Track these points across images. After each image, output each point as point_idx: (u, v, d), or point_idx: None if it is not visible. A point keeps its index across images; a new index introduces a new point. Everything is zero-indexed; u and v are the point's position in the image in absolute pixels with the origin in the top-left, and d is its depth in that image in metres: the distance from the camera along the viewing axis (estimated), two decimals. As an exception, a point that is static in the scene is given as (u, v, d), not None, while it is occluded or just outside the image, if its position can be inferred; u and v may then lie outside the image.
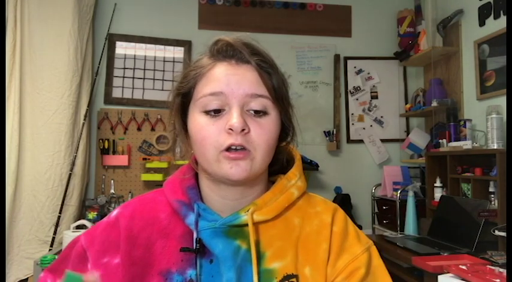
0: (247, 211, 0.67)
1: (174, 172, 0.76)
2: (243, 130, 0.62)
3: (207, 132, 0.64)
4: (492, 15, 2.53)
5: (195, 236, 0.66)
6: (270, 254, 0.66)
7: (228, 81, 0.64)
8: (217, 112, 0.64)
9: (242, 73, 0.65)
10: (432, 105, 2.83)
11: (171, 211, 0.71)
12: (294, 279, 0.65)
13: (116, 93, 3.11)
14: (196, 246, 0.65)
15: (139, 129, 3.10)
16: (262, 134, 0.64)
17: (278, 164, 0.76)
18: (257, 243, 0.66)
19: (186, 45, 3.19)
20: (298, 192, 0.72)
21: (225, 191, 0.69)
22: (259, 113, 0.65)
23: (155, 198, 0.74)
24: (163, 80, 3.16)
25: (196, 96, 0.67)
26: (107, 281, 0.66)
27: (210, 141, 0.63)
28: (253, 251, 0.64)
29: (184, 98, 0.69)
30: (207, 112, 0.65)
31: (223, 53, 0.67)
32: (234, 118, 0.62)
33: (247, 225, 0.66)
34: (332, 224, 0.71)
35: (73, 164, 2.75)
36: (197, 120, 0.66)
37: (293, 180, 0.73)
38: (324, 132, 3.31)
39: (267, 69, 0.67)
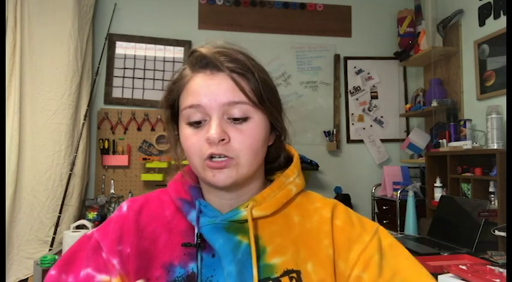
0: (247, 207, 0.69)
1: (177, 173, 0.79)
2: (223, 140, 0.64)
3: (191, 142, 0.67)
4: (492, 15, 2.53)
5: (196, 231, 0.68)
6: (270, 250, 0.68)
7: (205, 93, 0.66)
8: (199, 123, 0.66)
9: (217, 83, 0.66)
10: (432, 105, 2.83)
11: (174, 209, 0.73)
12: (294, 274, 0.66)
13: (116, 93, 3.11)
14: (197, 241, 0.67)
15: (139, 129, 3.10)
16: (245, 140, 0.66)
17: (276, 161, 0.78)
18: (258, 239, 0.68)
19: (186, 45, 3.19)
20: (297, 189, 0.74)
21: (220, 192, 0.71)
22: (239, 120, 0.66)
23: (160, 196, 0.77)
24: (163, 80, 3.16)
25: (180, 107, 0.69)
26: (123, 268, 0.68)
27: (194, 151, 0.66)
28: (253, 245, 0.66)
29: (172, 109, 0.73)
30: (190, 123, 0.67)
31: (199, 64, 0.68)
32: (212, 129, 0.64)
33: (247, 220, 0.68)
34: (332, 218, 0.72)
35: (73, 164, 2.75)
36: (183, 131, 0.69)
37: (291, 177, 0.74)
38: (324, 132, 3.31)
39: (243, 74, 0.67)
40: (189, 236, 0.69)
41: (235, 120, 0.66)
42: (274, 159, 0.77)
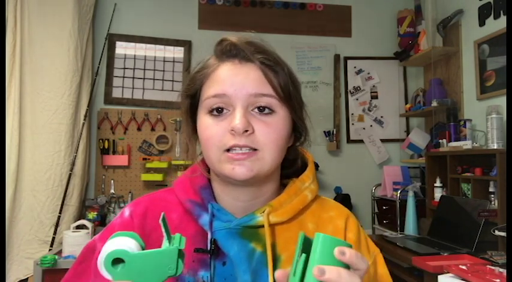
0: (263, 212, 0.66)
1: (184, 172, 0.75)
2: (246, 131, 0.61)
3: (211, 132, 0.63)
4: (492, 15, 2.53)
5: (209, 236, 0.65)
6: (285, 258, 0.65)
7: (232, 83, 0.63)
8: (220, 111, 0.63)
9: (245, 72, 0.64)
10: (432, 105, 2.83)
11: (182, 211, 0.69)
12: None
13: (116, 93, 3.11)
14: (211, 246, 0.64)
15: (139, 129, 3.10)
16: (270, 133, 0.63)
17: (293, 167, 0.75)
18: (273, 246, 0.65)
19: (186, 45, 3.19)
20: (312, 195, 0.72)
21: (236, 191, 0.68)
22: (265, 111, 0.63)
23: (166, 197, 0.73)
24: (163, 80, 3.16)
25: (202, 97, 0.67)
26: None
27: (214, 141, 0.63)
28: (269, 253, 0.63)
29: (192, 100, 0.69)
30: (211, 113, 0.64)
31: (227, 53, 0.66)
32: (236, 119, 0.61)
33: (262, 226, 0.65)
34: (346, 229, 0.71)
35: (73, 164, 2.75)
36: (203, 121, 0.65)
37: (307, 182, 0.72)
38: (324, 132, 3.31)
39: (272, 67, 0.65)
40: (199, 241, 0.66)
41: (261, 111, 0.63)
42: (291, 163, 0.74)
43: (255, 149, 0.62)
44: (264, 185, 0.68)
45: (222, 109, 0.63)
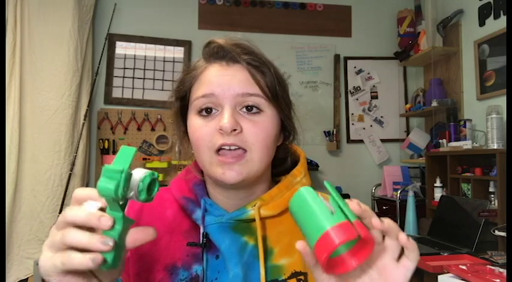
0: (254, 206, 0.67)
1: (181, 172, 0.77)
2: (234, 130, 0.62)
3: (201, 133, 0.64)
4: (492, 15, 2.53)
5: (201, 230, 0.66)
6: (278, 250, 0.66)
7: (219, 83, 0.64)
8: (209, 112, 0.64)
9: (233, 73, 0.65)
10: (432, 105, 2.83)
11: (177, 208, 0.71)
12: (302, 277, 0.65)
13: (116, 93, 3.11)
14: (203, 240, 0.65)
15: (139, 129, 3.10)
16: (258, 132, 0.64)
17: (283, 165, 0.76)
18: (265, 239, 0.66)
19: (186, 45, 3.19)
20: None
21: (227, 192, 0.69)
22: (253, 111, 0.64)
23: (162, 195, 0.74)
24: (163, 80, 3.16)
25: (191, 99, 0.68)
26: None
27: (204, 142, 0.64)
28: (260, 246, 0.64)
29: (182, 102, 0.70)
30: (200, 113, 0.65)
31: (214, 55, 0.67)
32: (224, 119, 0.62)
33: (254, 220, 0.66)
34: None
35: (73, 164, 2.75)
36: (193, 122, 0.66)
37: (298, 177, 0.73)
38: (324, 132, 3.31)
39: (259, 67, 0.66)
40: (192, 237, 0.67)
41: (249, 110, 0.64)
42: (281, 162, 0.75)
43: (244, 149, 0.63)
44: (254, 186, 0.69)
45: (211, 109, 0.65)
